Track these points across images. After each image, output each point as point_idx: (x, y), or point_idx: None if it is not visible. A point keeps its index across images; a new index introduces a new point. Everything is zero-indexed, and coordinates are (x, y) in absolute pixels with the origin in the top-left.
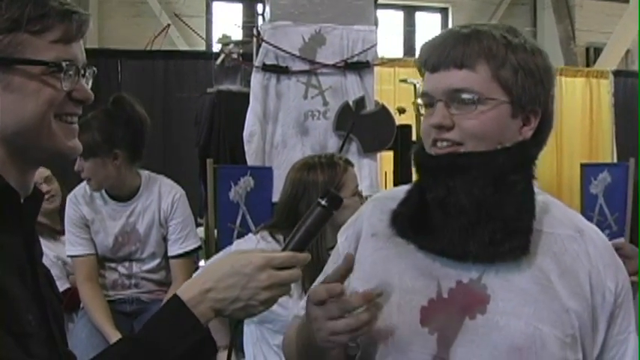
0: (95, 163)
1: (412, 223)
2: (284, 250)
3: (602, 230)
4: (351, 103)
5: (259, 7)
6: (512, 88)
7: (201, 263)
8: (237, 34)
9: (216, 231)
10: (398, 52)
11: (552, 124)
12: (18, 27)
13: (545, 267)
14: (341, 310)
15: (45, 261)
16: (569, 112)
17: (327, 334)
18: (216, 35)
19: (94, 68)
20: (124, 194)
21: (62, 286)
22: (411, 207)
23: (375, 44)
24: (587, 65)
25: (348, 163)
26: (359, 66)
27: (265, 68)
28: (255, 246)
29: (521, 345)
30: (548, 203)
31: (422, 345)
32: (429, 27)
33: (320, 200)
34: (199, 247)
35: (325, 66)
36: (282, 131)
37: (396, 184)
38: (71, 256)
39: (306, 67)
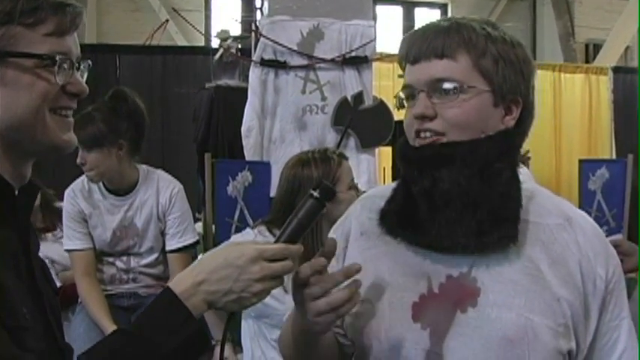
0: (100, 154)
1: (400, 219)
2: (276, 242)
3: (601, 226)
4: (349, 98)
5: (257, 2)
6: (492, 77)
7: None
8: (236, 29)
9: (214, 226)
10: (397, 48)
11: (534, 114)
12: (11, 20)
13: (534, 257)
14: (322, 288)
15: None
16: (568, 108)
17: (312, 316)
18: (214, 30)
19: (89, 62)
20: (122, 188)
21: None
22: (397, 203)
23: (374, 39)
24: (587, 62)
25: (343, 156)
26: (357, 61)
27: (263, 63)
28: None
29: (513, 336)
30: (535, 192)
31: (415, 340)
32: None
33: (312, 192)
34: (197, 242)
35: (323, 61)
36: (280, 126)
37: (394, 180)
38: (69, 251)
39: (304, 62)
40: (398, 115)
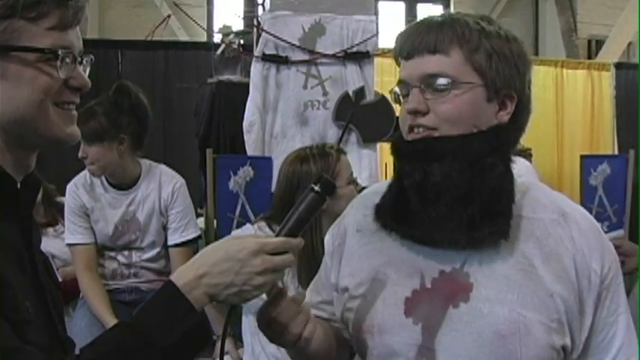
0: (101, 148)
1: (393, 213)
2: (277, 235)
3: (602, 222)
4: (350, 93)
5: None
6: (485, 71)
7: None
8: (238, 25)
9: (215, 221)
10: None
11: (531, 108)
12: (13, 13)
13: (528, 253)
14: (280, 325)
15: None
16: (571, 104)
17: (292, 347)
18: (217, 26)
19: (92, 56)
20: (124, 182)
21: None
22: (391, 197)
23: (375, 34)
24: (589, 57)
25: (341, 151)
26: (359, 56)
27: (265, 58)
28: None
29: (505, 331)
30: (530, 187)
31: (407, 335)
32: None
33: (313, 186)
34: (199, 237)
35: (325, 56)
36: (281, 121)
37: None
38: (70, 245)
39: (305, 57)
40: (399, 110)
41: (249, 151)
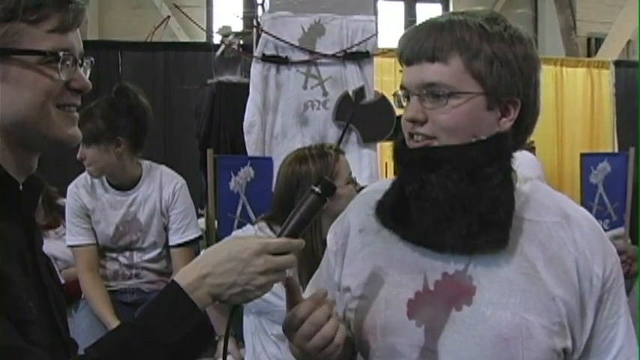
0: (98, 150)
1: (393, 213)
2: (279, 236)
3: (602, 220)
4: (350, 93)
5: None
6: (486, 79)
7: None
8: (238, 25)
9: (216, 221)
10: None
11: (538, 112)
12: (14, 16)
13: (531, 256)
14: (313, 325)
15: None
16: (570, 102)
17: (315, 353)
18: (216, 26)
19: (92, 58)
20: (125, 183)
21: None
22: (393, 197)
23: (375, 34)
24: (589, 55)
25: (340, 151)
26: (358, 56)
27: (265, 59)
28: None
29: (508, 335)
30: (535, 190)
31: (410, 337)
32: (429, 17)
33: (314, 187)
34: (200, 237)
35: (325, 56)
36: (282, 121)
37: (396, 175)
38: (72, 246)
39: (305, 57)
40: (399, 110)
41: (250, 152)
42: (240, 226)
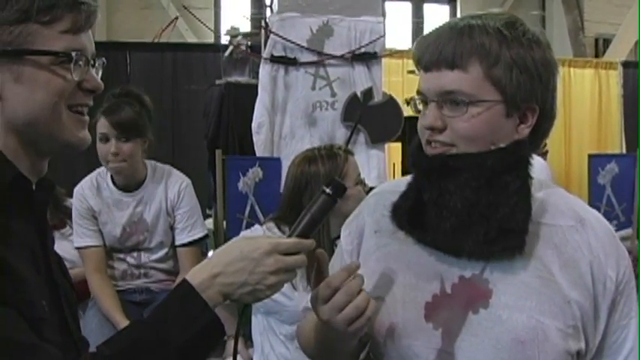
0: (134, 145)
1: (410, 217)
2: (290, 236)
3: (610, 220)
4: (358, 94)
5: None
6: (505, 86)
7: (210, 254)
8: (246, 26)
9: (225, 222)
10: (406, 44)
11: (554, 117)
12: (28, 18)
13: (546, 260)
14: (347, 296)
15: None
16: (578, 103)
17: (344, 327)
18: (224, 27)
19: (104, 59)
20: (131, 184)
21: None
22: (409, 200)
23: (383, 35)
24: (596, 56)
25: (349, 152)
26: (366, 57)
27: (273, 60)
28: None
29: (524, 338)
30: (550, 195)
31: (427, 340)
32: (437, 18)
33: (325, 188)
34: (206, 236)
35: (333, 57)
36: (290, 122)
37: (404, 176)
38: (79, 248)
39: (314, 58)
40: (407, 111)
41: (258, 152)
42: (248, 227)
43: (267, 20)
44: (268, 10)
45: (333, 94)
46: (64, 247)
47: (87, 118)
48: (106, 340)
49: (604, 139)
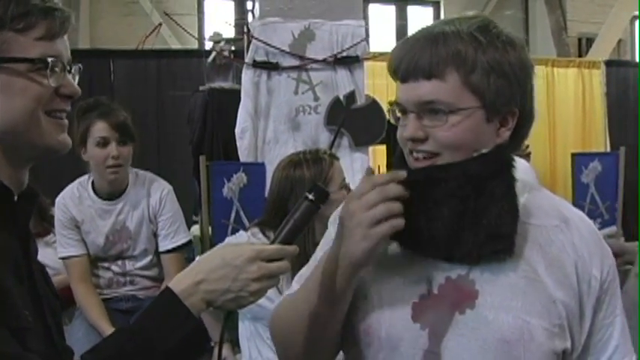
0: (130, 149)
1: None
2: (273, 242)
3: (594, 219)
4: (341, 97)
5: (249, 4)
6: (484, 92)
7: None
8: (230, 32)
9: (210, 228)
10: (390, 46)
11: (533, 118)
12: (2, 25)
13: (532, 260)
14: (381, 195)
15: None
16: (562, 102)
17: (367, 226)
18: (208, 33)
19: (80, 65)
20: (113, 192)
21: None
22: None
23: (364, 39)
24: (580, 56)
25: (334, 157)
26: (349, 61)
27: (256, 65)
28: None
29: (510, 338)
30: (534, 195)
31: (413, 340)
32: (421, 20)
33: (307, 194)
34: (190, 242)
35: (315, 61)
36: (273, 127)
37: None
38: (63, 258)
39: (296, 62)
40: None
41: (242, 158)
42: (234, 232)
43: (249, 25)
44: (250, 15)
45: (316, 98)
46: (47, 254)
47: (66, 121)
48: (90, 349)
49: (588, 138)
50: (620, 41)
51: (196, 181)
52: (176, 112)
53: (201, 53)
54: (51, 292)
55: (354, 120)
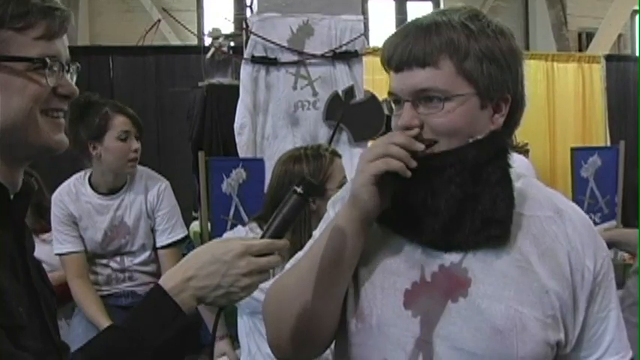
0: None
1: (394, 216)
2: (262, 237)
3: (594, 213)
4: (340, 92)
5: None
6: (478, 79)
7: None
8: (229, 28)
9: (209, 223)
10: None
11: (524, 105)
12: (1, 24)
13: (525, 250)
14: (386, 139)
15: None
16: (562, 97)
17: (365, 162)
18: (207, 29)
19: (78, 64)
20: (111, 188)
21: None
22: (394, 200)
23: (363, 34)
24: (580, 50)
25: (335, 154)
26: (347, 56)
27: (254, 60)
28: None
29: (502, 327)
30: (528, 186)
31: (405, 327)
32: (420, 15)
33: (295, 188)
34: (187, 237)
35: (314, 56)
36: (272, 122)
37: None
38: (60, 255)
39: (294, 58)
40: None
41: (241, 153)
42: (233, 228)
43: (248, 21)
44: (248, 10)
45: (315, 94)
46: (44, 251)
47: (63, 121)
48: (81, 347)
49: (588, 132)
50: (620, 36)
51: (195, 177)
52: (175, 108)
53: (200, 49)
54: (47, 289)
55: (353, 115)
